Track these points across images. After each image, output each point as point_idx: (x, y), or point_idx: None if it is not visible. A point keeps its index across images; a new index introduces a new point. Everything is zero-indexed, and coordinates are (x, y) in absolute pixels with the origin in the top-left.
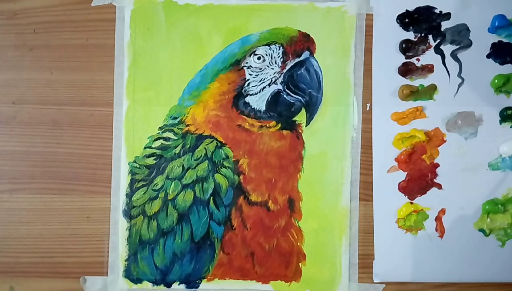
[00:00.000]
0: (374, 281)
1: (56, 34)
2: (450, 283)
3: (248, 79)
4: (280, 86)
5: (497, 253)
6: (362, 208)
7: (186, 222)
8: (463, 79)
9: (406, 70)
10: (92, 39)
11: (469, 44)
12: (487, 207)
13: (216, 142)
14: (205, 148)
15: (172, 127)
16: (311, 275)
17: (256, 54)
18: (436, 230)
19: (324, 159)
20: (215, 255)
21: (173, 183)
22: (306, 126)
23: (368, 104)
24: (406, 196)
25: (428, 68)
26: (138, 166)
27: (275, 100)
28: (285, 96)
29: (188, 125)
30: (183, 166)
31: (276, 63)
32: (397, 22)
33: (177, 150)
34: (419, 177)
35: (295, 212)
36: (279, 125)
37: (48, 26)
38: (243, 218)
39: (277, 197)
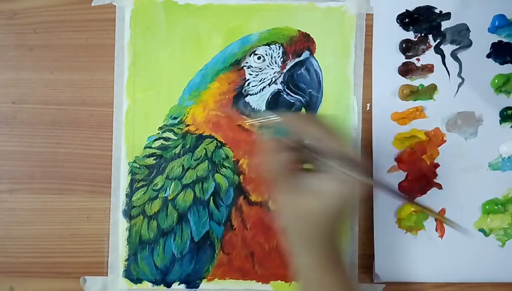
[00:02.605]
0: (374, 281)
1: (56, 34)
2: (450, 283)
3: (248, 79)
4: (280, 86)
5: (497, 253)
6: (362, 208)
7: (186, 222)
8: (463, 79)
9: (406, 70)
10: (92, 39)
11: (469, 44)
12: (487, 207)
13: (216, 143)
14: (205, 148)
15: (172, 127)
16: None
17: (256, 54)
18: (436, 230)
19: None
20: (215, 255)
21: (173, 183)
22: None
23: (368, 104)
24: (406, 196)
25: (428, 68)
26: (138, 166)
27: (275, 100)
28: (285, 96)
29: (188, 125)
30: (183, 166)
31: (276, 63)
32: (397, 22)
33: (177, 150)
34: (419, 177)
35: None
36: None
37: (48, 26)
38: (243, 218)
39: None
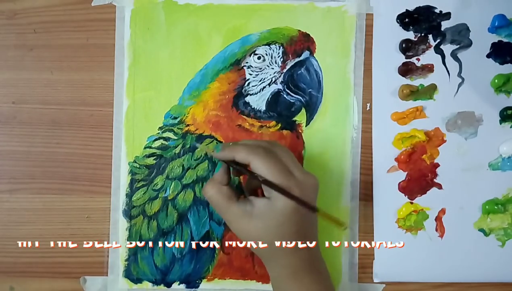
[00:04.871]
0: (374, 281)
1: (56, 34)
2: (450, 283)
3: (248, 79)
4: (280, 86)
5: (497, 253)
6: (362, 208)
7: (186, 222)
8: (463, 79)
9: (406, 70)
10: (92, 39)
11: (469, 44)
12: (487, 207)
13: (216, 142)
14: None
15: (172, 127)
16: None
17: (256, 54)
18: (436, 230)
19: (324, 159)
20: (215, 255)
21: (173, 183)
22: (306, 126)
23: (368, 104)
24: (406, 196)
25: (428, 68)
26: (138, 166)
27: (275, 100)
28: (285, 96)
29: (188, 125)
30: (183, 165)
31: (276, 63)
32: (397, 22)
33: (177, 150)
34: (419, 177)
35: None
36: (279, 125)
37: (48, 26)
38: None
39: None
